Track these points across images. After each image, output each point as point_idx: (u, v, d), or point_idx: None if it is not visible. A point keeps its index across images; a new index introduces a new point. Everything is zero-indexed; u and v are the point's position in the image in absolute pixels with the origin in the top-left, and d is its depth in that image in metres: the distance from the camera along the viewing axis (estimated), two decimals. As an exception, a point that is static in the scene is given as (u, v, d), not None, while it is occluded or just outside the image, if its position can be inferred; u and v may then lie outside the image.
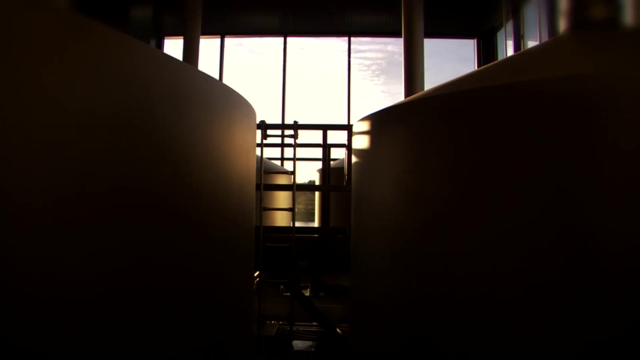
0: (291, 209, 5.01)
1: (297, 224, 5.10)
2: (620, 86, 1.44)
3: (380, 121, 2.21)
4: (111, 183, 1.32)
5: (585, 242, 1.42)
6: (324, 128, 5.54)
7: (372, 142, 2.22)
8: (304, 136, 5.90)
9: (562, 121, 1.47)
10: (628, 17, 2.30)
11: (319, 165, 7.89)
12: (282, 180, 6.64)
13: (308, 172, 12.16)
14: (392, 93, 12.47)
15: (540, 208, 1.47)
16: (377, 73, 12.48)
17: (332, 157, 7.17)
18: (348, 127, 5.72)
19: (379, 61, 12.46)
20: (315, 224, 9.62)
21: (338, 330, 5.35)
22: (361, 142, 2.35)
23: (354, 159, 2.56)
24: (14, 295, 1.10)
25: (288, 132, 5.30)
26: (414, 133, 1.90)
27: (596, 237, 1.41)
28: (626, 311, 1.36)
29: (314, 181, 10.59)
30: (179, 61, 1.73)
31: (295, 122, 5.24)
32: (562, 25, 2.26)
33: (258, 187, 4.35)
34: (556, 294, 1.43)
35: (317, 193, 8.48)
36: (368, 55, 12.30)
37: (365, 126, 2.31)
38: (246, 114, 2.33)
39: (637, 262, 1.35)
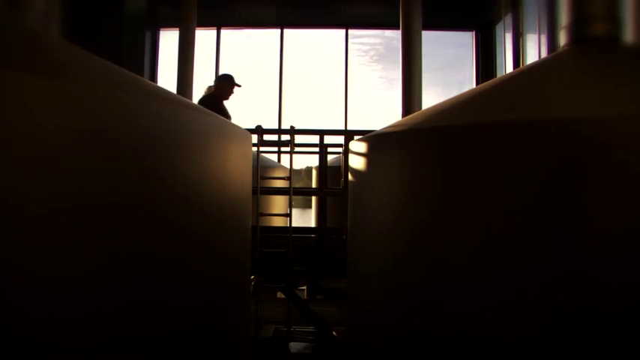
0: (288, 215, 5.02)
1: (295, 213, 5.14)
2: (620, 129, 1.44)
3: (376, 144, 2.24)
4: (117, 197, 1.42)
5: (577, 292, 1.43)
6: (321, 133, 5.52)
7: (369, 163, 2.27)
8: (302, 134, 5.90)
9: (554, 160, 1.48)
10: (628, 35, 2.30)
11: (317, 157, 7.86)
12: (279, 181, 6.62)
13: (306, 160, 12.19)
14: (389, 79, 12.40)
15: (527, 231, 1.51)
16: (375, 58, 12.40)
17: (329, 150, 7.13)
18: (345, 132, 5.72)
19: (377, 47, 12.38)
20: (313, 217, 9.66)
21: (334, 333, 5.41)
22: (357, 162, 2.40)
23: (350, 177, 2.59)
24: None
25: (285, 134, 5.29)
26: (409, 160, 1.95)
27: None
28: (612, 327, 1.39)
29: (311, 168, 10.60)
30: (181, 99, 1.85)
31: (292, 127, 5.23)
32: (562, 39, 2.25)
33: (255, 191, 4.35)
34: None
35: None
36: (366, 40, 12.22)
37: (361, 147, 2.35)
38: (241, 141, 2.44)
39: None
